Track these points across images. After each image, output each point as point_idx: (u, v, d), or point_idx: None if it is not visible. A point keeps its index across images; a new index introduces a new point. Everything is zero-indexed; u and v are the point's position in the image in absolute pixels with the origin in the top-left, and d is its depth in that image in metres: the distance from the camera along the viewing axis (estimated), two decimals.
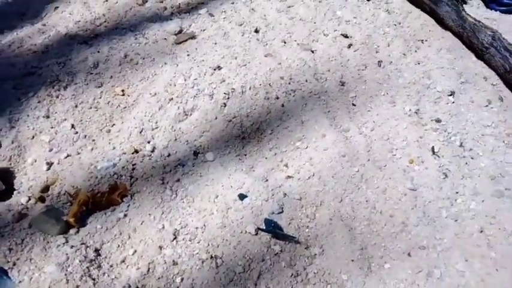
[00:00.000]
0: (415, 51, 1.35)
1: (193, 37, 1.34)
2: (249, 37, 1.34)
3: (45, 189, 0.97)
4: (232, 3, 1.49)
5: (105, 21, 1.45)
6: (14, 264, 0.83)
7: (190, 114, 1.13)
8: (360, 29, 1.39)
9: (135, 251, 0.89)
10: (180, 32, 1.36)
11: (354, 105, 1.18)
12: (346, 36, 1.36)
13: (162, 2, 1.53)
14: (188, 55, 1.27)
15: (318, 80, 1.22)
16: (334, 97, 1.19)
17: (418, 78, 1.24)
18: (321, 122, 1.11)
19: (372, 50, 1.33)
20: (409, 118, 1.15)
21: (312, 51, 1.30)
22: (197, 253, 0.89)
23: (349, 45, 1.33)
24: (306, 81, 1.20)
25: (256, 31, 1.36)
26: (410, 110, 1.16)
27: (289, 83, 1.20)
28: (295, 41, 1.34)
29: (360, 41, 1.35)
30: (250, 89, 1.18)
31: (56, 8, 1.55)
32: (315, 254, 0.89)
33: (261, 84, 1.19)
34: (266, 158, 1.07)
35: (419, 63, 1.30)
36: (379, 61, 1.29)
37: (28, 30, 1.42)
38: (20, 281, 0.81)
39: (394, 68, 1.27)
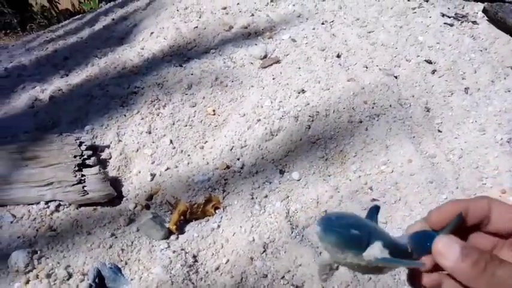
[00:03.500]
0: (504, 78, 1.32)
1: (277, 61, 1.43)
2: (331, 62, 1.40)
3: (150, 197, 1.09)
4: (313, 29, 1.57)
5: (195, 46, 1.61)
6: (126, 263, 0.95)
7: (276, 135, 1.21)
8: (443, 55, 1.39)
9: (228, 260, 0.97)
10: (265, 56, 1.46)
11: (439, 131, 1.18)
12: (429, 62, 1.37)
13: (246, 28, 1.65)
14: (273, 79, 1.36)
15: (402, 105, 1.24)
16: (419, 123, 1.20)
17: (510, 107, 1.22)
18: (406, 147, 1.13)
19: (458, 76, 1.33)
20: (501, 147, 1.12)
21: (395, 77, 1.32)
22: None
23: (433, 71, 1.34)
24: (390, 106, 1.23)
25: (338, 56, 1.42)
26: (501, 139, 1.14)
27: (373, 108, 1.23)
28: (377, 66, 1.37)
29: (445, 67, 1.35)
30: (333, 112, 1.23)
31: (152, 33, 1.74)
32: None
33: (344, 108, 1.24)
34: (350, 180, 1.10)
35: (509, 91, 1.27)
36: (465, 88, 1.28)
37: (129, 54, 1.61)
38: (132, 279, 0.91)
39: (483, 95, 1.26)
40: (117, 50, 1.70)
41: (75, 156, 1.12)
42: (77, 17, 2.51)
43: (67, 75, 1.60)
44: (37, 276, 0.88)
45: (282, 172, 1.14)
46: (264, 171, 1.14)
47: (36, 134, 1.29)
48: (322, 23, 1.62)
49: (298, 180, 1.11)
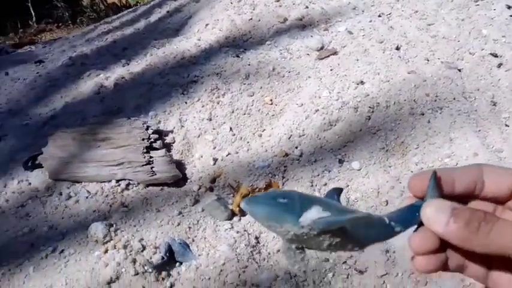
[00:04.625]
0: None
1: (334, 53, 1.46)
2: (390, 54, 1.41)
3: (213, 180, 1.16)
4: (370, 21, 1.58)
5: (250, 37, 1.66)
6: (193, 240, 1.02)
7: (335, 125, 1.24)
8: (510, 48, 1.37)
9: None
10: (322, 48, 1.49)
11: (507, 126, 1.17)
12: (495, 56, 1.35)
13: (301, 20, 1.69)
14: (331, 70, 1.39)
15: (466, 98, 1.23)
16: (485, 116, 1.19)
17: None
18: (471, 141, 1.13)
19: None
20: None
21: (459, 70, 1.32)
22: None
23: (499, 65, 1.32)
24: (454, 99, 1.23)
25: (397, 48, 1.42)
26: None
27: (435, 100, 1.24)
28: (439, 59, 1.37)
29: None
30: (394, 104, 1.24)
31: (207, 25, 1.82)
32: None
33: (405, 100, 1.25)
34: (412, 172, 1.12)
35: None
36: None
37: (186, 44, 1.69)
38: (199, 255, 0.98)
39: None
40: (173, 41, 1.79)
41: (143, 139, 1.21)
42: (131, 9, 2.64)
43: (128, 64, 1.70)
44: (115, 247, 0.96)
45: (341, 161, 1.17)
46: (323, 160, 1.18)
47: (104, 118, 1.40)
48: (379, 16, 1.63)
49: (359, 169, 1.14)
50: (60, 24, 4.88)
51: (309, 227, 0.29)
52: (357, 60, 1.41)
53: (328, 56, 1.44)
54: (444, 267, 0.31)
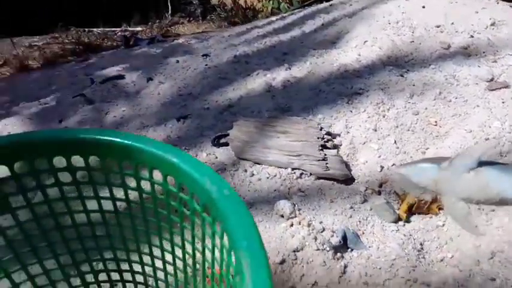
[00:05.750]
0: None
1: (506, 86, 1.53)
2: None
3: (380, 185, 1.32)
4: None
5: (412, 59, 1.80)
6: (363, 233, 1.19)
7: (505, 156, 1.32)
8: None
9: (453, 256, 1.13)
10: (492, 79, 1.57)
11: None
12: None
13: (466, 48, 1.78)
14: (503, 102, 1.47)
15: None
16: None
17: None
18: None
19: None
20: None
21: None
22: None
23: None
24: None
25: None
26: None
27: None
28: None
29: None
30: None
31: (365, 41, 2.00)
32: None
33: None
34: None
35: None
36: None
37: (346, 58, 1.89)
38: (370, 246, 1.15)
39: None
40: (331, 53, 2.00)
41: (318, 138, 1.42)
42: (279, 16, 2.94)
43: (290, 69, 1.96)
44: (299, 223, 1.18)
45: None
46: None
47: (276, 113, 1.65)
48: None
49: None
50: (191, 19, 5.49)
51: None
52: None
53: (500, 89, 1.52)
54: None
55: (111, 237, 0.65)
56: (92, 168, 0.57)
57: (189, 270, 0.61)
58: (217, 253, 0.50)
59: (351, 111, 1.57)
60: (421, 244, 1.16)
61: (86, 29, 4.81)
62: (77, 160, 0.56)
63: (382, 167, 1.36)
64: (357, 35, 2.07)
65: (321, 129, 1.46)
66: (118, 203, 0.61)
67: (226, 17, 4.95)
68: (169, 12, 5.50)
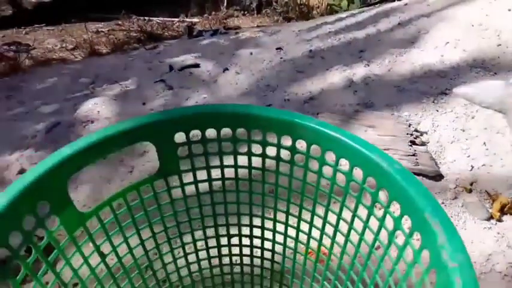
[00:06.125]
0: None
1: None
2: None
3: (471, 184, 1.36)
4: None
5: (499, 63, 1.81)
6: (456, 225, 1.24)
7: None
8: None
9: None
10: None
11: None
12: None
13: None
14: None
15: None
16: None
17: None
18: None
19: None
20: None
21: None
22: None
23: None
24: None
25: None
26: None
27: None
28: None
29: None
30: None
31: (447, 43, 2.01)
32: None
33: None
34: None
35: None
36: None
37: (429, 59, 1.91)
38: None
39: None
40: (411, 52, 2.03)
41: (407, 134, 1.48)
42: (349, 13, 2.98)
43: (368, 66, 2.01)
44: None
45: None
46: None
47: (359, 108, 1.71)
48: None
49: None
50: (245, 13, 5.61)
51: None
52: None
53: None
54: None
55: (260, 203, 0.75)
56: (254, 140, 0.66)
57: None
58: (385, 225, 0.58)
59: (437, 111, 1.61)
60: None
61: (146, 18, 5.04)
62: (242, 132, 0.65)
63: (472, 167, 1.40)
64: (438, 36, 2.09)
65: (409, 125, 1.51)
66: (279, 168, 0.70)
67: (281, 12, 5.03)
68: (225, 4, 5.65)
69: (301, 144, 0.61)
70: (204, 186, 0.72)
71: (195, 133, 0.65)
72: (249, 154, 0.70)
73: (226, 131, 0.66)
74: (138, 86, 2.37)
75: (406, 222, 0.47)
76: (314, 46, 2.34)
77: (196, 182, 0.72)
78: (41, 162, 0.55)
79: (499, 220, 1.26)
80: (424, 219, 0.44)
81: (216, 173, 0.72)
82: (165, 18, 4.97)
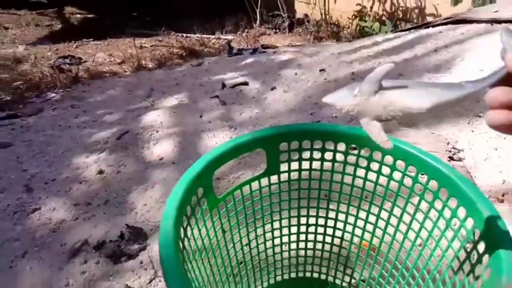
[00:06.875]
0: None
1: None
2: None
3: (502, 195, 1.57)
4: None
5: None
6: None
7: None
8: None
9: None
10: None
11: None
12: None
13: None
14: None
15: None
16: None
17: None
18: None
19: None
20: None
21: None
22: None
23: None
24: None
25: None
26: None
27: None
28: None
29: None
30: None
31: (481, 70, 2.24)
32: None
33: None
34: None
35: None
36: None
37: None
38: None
39: None
40: (447, 78, 2.26)
41: (446, 150, 1.70)
42: (384, 38, 3.22)
43: None
44: None
45: None
46: None
47: (400, 126, 1.94)
48: None
49: None
50: (277, 31, 5.92)
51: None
52: None
53: None
54: None
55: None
56: (338, 151, 0.92)
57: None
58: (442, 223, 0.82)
59: (472, 131, 1.83)
60: None
61: (184, 34, 5.42)
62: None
63: (504, 180, 1.61)
64: (472, 63, 2.31)
65: (448, 143, 1.74)
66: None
67: (312, 32, 5.32)
68: (258, 23, 5.98)
69: (366, 151, 0.86)
70: (294, 184, 0.98)
71: (294, 143, 0.92)
72: (333, 161, 0.96)
73: (316, 142, 0.92)
74: (193, 101, 2.68)
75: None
76: (356, 68, 2.60)
77: (289, 180, 0.98)
78: (201, 158, 0.82)
79: None
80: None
81: (305, 174, 0.97)
82: (202, 35, 5.31)
